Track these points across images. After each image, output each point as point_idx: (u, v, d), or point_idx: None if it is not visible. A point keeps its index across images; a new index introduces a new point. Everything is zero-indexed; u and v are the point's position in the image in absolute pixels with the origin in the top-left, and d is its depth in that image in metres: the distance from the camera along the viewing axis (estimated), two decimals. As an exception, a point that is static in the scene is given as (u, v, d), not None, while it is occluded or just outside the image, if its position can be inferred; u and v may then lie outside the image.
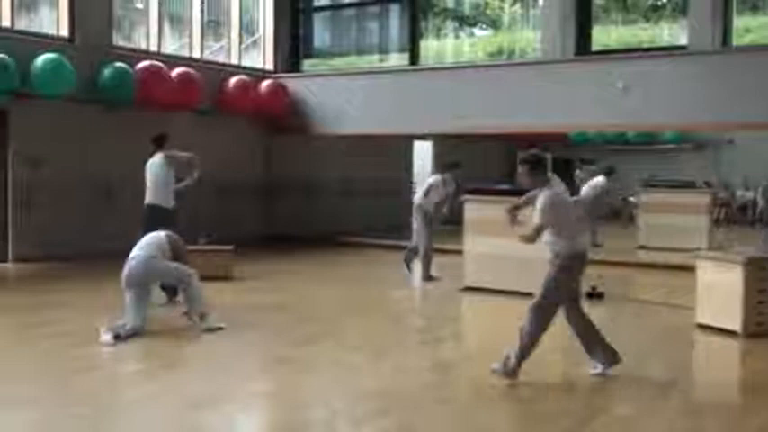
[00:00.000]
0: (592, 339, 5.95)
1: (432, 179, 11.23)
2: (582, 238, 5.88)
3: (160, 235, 7.51)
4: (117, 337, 6.77)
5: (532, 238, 5.68)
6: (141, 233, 7.85)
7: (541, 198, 5.69)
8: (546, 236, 5.71)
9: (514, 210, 6.01)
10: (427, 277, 10.74)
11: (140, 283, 7.20)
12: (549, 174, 5.83)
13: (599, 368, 5.93)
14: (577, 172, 17.85)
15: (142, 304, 7.18)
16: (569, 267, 5.71)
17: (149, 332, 7.37)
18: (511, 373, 5.66)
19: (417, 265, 11.01)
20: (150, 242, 7.43)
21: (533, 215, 5.71)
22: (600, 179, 14.38)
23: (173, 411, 5.20)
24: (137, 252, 7.33)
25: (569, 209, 5.84)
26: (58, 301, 8.87)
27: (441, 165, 12.41)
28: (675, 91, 11.77)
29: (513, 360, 5.65)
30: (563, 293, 5.77)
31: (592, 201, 13.99)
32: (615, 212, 17.89)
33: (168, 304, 8.36)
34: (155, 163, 8.92)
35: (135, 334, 6.95)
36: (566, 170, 18.44)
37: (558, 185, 5.79)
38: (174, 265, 7.35)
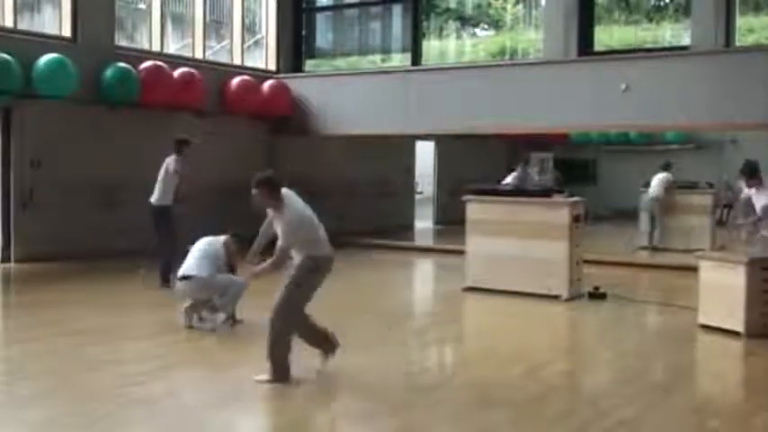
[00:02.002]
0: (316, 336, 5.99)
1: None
2: (327, 243, 5.91)
3: (219, 242, 7.56)
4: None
5: (281, 261, 5.65)
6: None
7: (288, 218, 5.71)
8: (295, 250, 5.72)
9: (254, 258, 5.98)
10: None
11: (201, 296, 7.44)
12: (284, 190, 5.88)
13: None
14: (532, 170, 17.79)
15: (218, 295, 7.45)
16: (318, 268, 5.75)
17: (155, 333, 7.39)
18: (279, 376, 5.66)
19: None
20: (207, 253, 7.46)
21: (281, 235, 5.68)
22: (664, 174, 14.35)
23: (178, 411, 5.21)
24: (194, 263, 7.36)
25: (313, 218, 5.88)
26: (68, 300, 8.88)
27: None
28: (678, 91, 11.74)
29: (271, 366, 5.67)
30: (308, 294, 5.79)
31: (661, 197, 14.05)
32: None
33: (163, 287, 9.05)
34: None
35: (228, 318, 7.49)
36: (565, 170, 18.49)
37: (296, 199, 5.86)
38: (226, 283, 7.41)
